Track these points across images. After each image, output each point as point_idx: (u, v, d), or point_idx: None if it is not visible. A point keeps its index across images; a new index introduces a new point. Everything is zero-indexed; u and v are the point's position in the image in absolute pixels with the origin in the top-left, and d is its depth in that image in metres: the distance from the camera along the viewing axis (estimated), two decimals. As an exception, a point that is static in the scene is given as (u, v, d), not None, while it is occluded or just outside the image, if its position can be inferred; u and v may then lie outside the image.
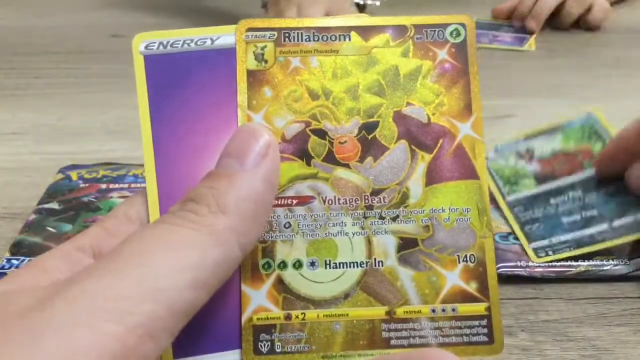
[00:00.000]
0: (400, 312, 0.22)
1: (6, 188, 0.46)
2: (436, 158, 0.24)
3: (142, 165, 0.45)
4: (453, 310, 0.22)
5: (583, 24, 0.73)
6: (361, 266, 0.23)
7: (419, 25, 0.24)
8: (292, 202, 0.23)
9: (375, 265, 0.23)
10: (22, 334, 0.17)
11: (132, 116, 0.55)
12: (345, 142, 0.24)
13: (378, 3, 0.81)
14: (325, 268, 0.23)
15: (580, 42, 0.71)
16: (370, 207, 0.23)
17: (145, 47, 0.24)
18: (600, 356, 0.31)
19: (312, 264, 0.23)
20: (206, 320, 0.22)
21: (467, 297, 0.23)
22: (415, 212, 0.23)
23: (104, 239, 0.22)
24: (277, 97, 0.24)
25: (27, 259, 0.37)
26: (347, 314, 0.22)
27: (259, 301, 0.22)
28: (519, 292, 0.35)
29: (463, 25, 0.24)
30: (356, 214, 0.23)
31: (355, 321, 0.22)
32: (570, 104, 0.57)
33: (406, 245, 0.23)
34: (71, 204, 0.41)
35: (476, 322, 0.22)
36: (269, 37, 0.24)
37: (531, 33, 0.72)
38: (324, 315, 0.22)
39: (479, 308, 0.23)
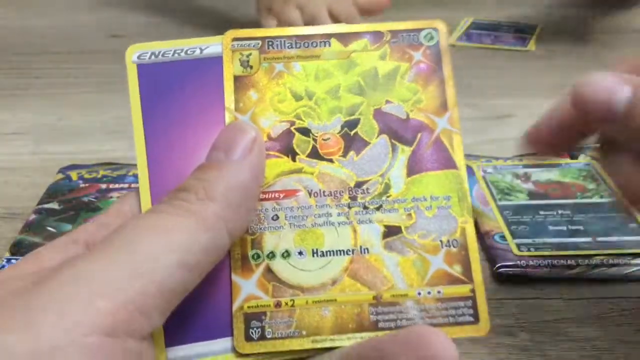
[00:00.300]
0: (387, 296, 0.23)
1: (6, 188, 0.46)
2: (416, 151, 0.25)
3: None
4: (439, 292, 0.23)
5: None
6: (347, 254, 0.24)
7: (394, 31, 0.26)
8: (279, 195, 0.24)
9: (361, 253, 0.24)
10: (18, 310, 0.18)
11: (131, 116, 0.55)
12: (329, 138, 0.25)
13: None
14: (313, 256, 0.24)
15: (580, 42, 0.71)
16: (354, 198, 0.24)
17: (138, 57, 0.25)
18: (600, 356, 0.31)
19: (300, 253, 0.24)
20: (198, 310, 0.23)
21: (451, 280, 0.24)
22: (398, 201, 0.24)
23: (97, 232, 0.23)
24: (262, 100, 0.25)
25: (27, 259, 0.37)
26: (335, 300, 0.23)
27: (249, 290, 0.23)
28: (519, 292, 0.35)
29: (436, 29, 0.26)
30: (341, 204, 0.24)
31: (343, 306, 0.23)
32: (570, 104, 0.57)
33: (390, 232, 0.24)
34: (71, 204, 0.41)
35: (461, 303, 0.23)
36: (254, 46, 0.26)
37: None
38: (312, 302, 0.23)
39: (464, 290, 0.23)
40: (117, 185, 0.43)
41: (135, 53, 0.25)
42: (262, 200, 0.24)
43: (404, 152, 0.25)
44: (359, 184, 0.24)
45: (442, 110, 0.25)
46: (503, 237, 0.38)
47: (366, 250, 0.24)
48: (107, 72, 0.64)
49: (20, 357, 0.17)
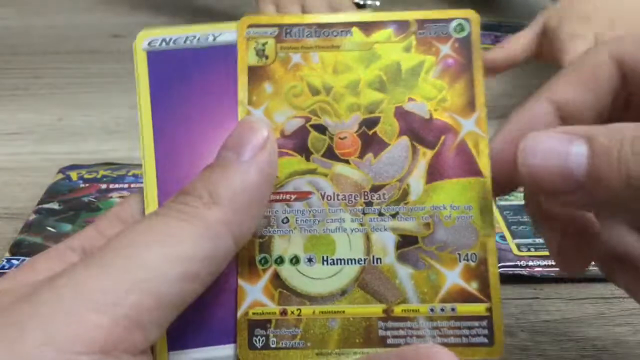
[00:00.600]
0: (397, 310, 0.22)
1: (6, 188, 0.46)
2: (438, 155, 0.23)
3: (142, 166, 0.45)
4: (452, 310, 0.22)
5: None
6: (359, 263, 0.23)
7: (421, 20, 0.24)
8: (290, 197, 0.23)
9: (374, 263, 0.23)
10: (7, 324, 0.17)
11: (132, 116, 0.55)
12: (346, 137, 0.23)
13: (378, 3, 0.81)
14: (323, 264, 0.23)
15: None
16: (369, 204, 0.23)
17: (149, 44, 0.24)
18: (600, 356, 0.31)
19: (310, 259, 0.23)
20: (201, 314, 0.22)
21: (467, 297, 0.22)
22: (416, 209, 0.23)
23: (96, 239, 0.22)
24: (277, 93, 0.24)
25: (27, 259, 0.37)
26: (344, 311, 0.22)
27: (255, 296, 0.22)
28: (519, 292, 0.35)
29: (467, 20, 0.24)
30: (355, 210, 0.23)
31: (351, 318, 0.22)
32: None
33: (406, 242, 0.23)
34: (71, 204, 0.41)
35: (476, 323, 0.22)
36: (270, 34, 0.24)
37: None
38: (319, 312, 0.22)
39: (480, 308, 0.22)
40: (117, 185, 0.43)
41: (145, 39, 0.24)
42: (272, 201, 0.23)
43: (425, 156, 0.23)
44: (375, 189, 0.23)
45: (469, 110, 0.23)
46: (503, 237, 0.38)
47: (379, 260, 0.23)
48: (107, 72, 0.64)
49: None
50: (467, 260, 0.22)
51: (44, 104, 0.58)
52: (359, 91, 0.24)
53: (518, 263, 0.36)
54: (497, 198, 0.41)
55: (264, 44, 0.24)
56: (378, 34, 0.24)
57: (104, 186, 0.43)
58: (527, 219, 0.39)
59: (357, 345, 0.22)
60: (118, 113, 0.56)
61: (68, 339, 0.16)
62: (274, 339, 0.22)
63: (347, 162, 0.23)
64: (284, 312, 0.22)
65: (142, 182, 0.23)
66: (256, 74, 0.24)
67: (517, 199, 0.41)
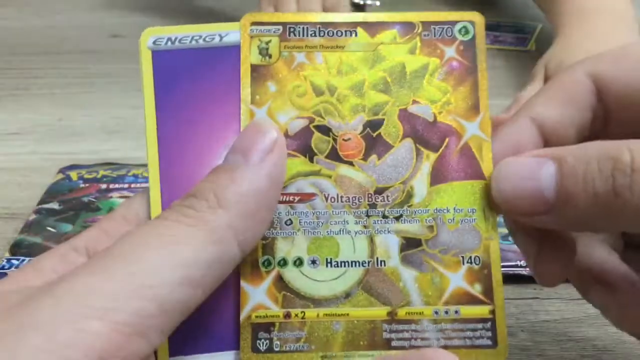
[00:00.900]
0: (402, 313, 0.22)
1: (6, 188, 0.46)
2: (442, 157, 0.23)
3: (142, 165, 0.45)
4: (456, 312, 0.22)
5: None
6: (363, 265, 0.22)
7: (427, 22, 0.24)
8: (293, 198, 0.23)
9: (378, 265, 0.22)
10: (6, 329, 0.16)
11: (132, 116, 0.55)
12: (349, 139, 0.23)
13: (378, 3, 0.81)
14: (327, 266, 0.22)
15: (580, 42, 0.71)
16: (373, 206, 0.23)
17: (154, 43, 0.23)
18: (600, 356, 0.31)
19: (313, 262, 0.22)
20: (204, 319, 0.22)
21: (471, 300, 0.22)
22: (419, 211, 0.23)
23: (100, 240, 0.22)
24: (280, 92, 0.23)
25: (27, 259, 0.37)
26: (348, 314, 0.22)
27: (258, 298, 0.22)
28: (519, 292, 0.35)
29: (472, 22, 0.24)
30: (359, 212, 0.23)
31: (355, 321, 0.22)
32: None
33: (409, 245, 0.23)
34: (71, 204, 0.41)
35: (480, 325, 0.22)
36: (274, 32, 0.24)
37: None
38: (324, 315, 0.22)
39: (483, 311, 0.22)
40: (117, 185, 0.43)
41: (150, 38, 0.23)
42: None
43: (429, 159, 0.23)
44: (379, 191, 0.23)
45: (473, 114, 0.23)
46: (504, 237, 0.38)
47: (383, 263, 0.22)
48: (107, 72, 0.64)
49: None
50: (471, 263, 0.23)
51: (44, 104, 0.58)
52: (363, 92, 0.24)
53: (518, 263, 0.36)
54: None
55: (267, 43, 0.24)
56: (383, 35, 0.24)
57: (104, 186, 0.43)
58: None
59: (361, 348, 0.22)
60: (118, 113, 0.56)
61: (66, 346, 0.16)
62: (278, 342, 0.22)
63: (350, 163, 0.23)
64: (287, 315, 0.22)
65: (142, 182, 0.23)
66: (259, 73, 0.23)
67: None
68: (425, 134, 0.23)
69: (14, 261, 0.36)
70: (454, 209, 0.23)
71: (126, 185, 0.43)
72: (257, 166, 0.20)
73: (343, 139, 0.23)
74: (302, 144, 0.23)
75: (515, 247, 0.37)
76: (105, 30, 0.74)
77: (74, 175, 0.45)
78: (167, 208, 0.20)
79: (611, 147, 0.20)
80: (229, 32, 0.24)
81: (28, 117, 0.56)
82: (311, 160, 0.23)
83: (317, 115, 0.23)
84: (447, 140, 0.23)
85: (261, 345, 0.22)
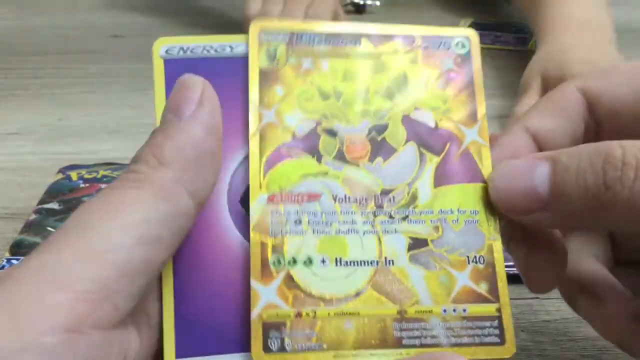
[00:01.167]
0: (411, 311, 0.22)
1: (6, 188, 0.46)
2: (444, 161, 0.24)
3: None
4: (464, 310, 0.23)
5: None
6: (372, 265, 0.23)
7: (426, 36, 0.26)
8: (302, 198, 0.23)
9: (386, 264, 0.23)
10: None
11: (132, 116, 0.55)
12: (356, 142, 0.24)
13: (378, 3, 0.81)
14: (336, 265, 0.23)
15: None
16: (380, 207, 0.23)
17: (166, 52, 0.24)
18: (600, 356, 0.31)
19: (323, 261, 0.23)
20: (212, 319, 0.22)
21: (477, 298, 0.23)
22: (425, 212, 0.24)
23: None
24: (288, 96, 0.24)
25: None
26: (359, 313, 0.22)
27: (268, 297, 0.22)
28: (519, 292, 0.35)
29: (467, 38, 0.26)
30: (366, 212, 0.23)
31: (366, 320, 0.22)
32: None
33: (416, 245, 0.23)
34: (71, 204, 0.41)
35: (487, 323, 0.23)
36: (282, 39, 0.25)
37: None
38: (334, 314, 0.22)
39: (490, 309, 0.23)
40: (117, 185, 0.43)
41: (162, 47, 0.24)
42: (285, 202, 0.23)
43: (432, 162, 0.24)
44: (385, 192, 0.24)
45: (472, 121, 0.25)
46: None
47: (391, 262, 0.23)
48: (107, 72, 0.64)
49: None
50: (476, 262, 0.23)
51: (44, 104, 0.58)
52: (368, 98, 0.25)
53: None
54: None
55: (275, 48, 0.24)
56: (386, 46, 0.25)
57: (104, 186, 0.43)
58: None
59: (373, 347, 0.22)
60: (118, 113, 0.56)
61: (31, 322, 0.16)
62: (289, 342, 0.22)
63: (357, 165, 0.24)
64: (298, 314, 0.22)
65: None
66: (267, 77, 0.24)
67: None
68: (427, 139, 0.24)
69: (14, 261, 0.36)
70: (458, 210, 0.24)
71: (126, 185, 0.43)
72: (189, 119, 0.21)
73: (350, 142, 0.24)
74: (310, 145, 0.24)
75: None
76: (105, 30, 0.74)
77: (74, 175, 0.45)
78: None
79: (603, 144, 0.21)
80: (239, 44, 0.25)
81: (28, 117, 0.56)
82: (319, 161, 0.24)
83: (324, 118, 0.24)
84: (448, 145, 0.24)
85: (273, 344, 0.21)
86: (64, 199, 0.42)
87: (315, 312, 0.22)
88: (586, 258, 0.27)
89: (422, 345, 0.22)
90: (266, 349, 0.21)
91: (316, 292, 0.22)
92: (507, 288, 0.23)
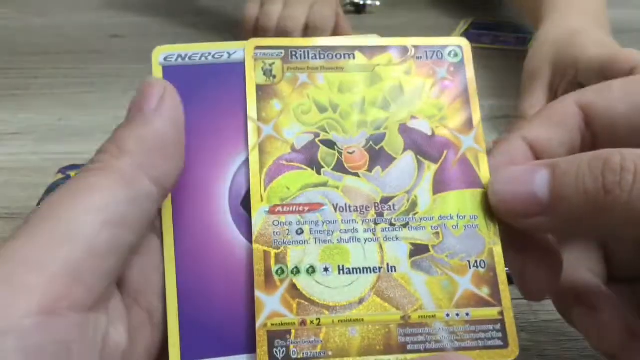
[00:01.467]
0: (415, 316, 0.23)
1: (6, 188, 0.46)
2: (442, 168, 0.25)
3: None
4: (467, 314, 0.23)
5: None
6: (374, 272, 0.23)
7: (419, 46, 0.26)
8: (303, 209, 0.23)
9: (388, 271, 0.23)
10: None
11: (132, 116, 0.55)
12: (354, 152, 0.24)
13: (378, 3, 0.81)
14: (339, 273, 0.23)
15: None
16: (380, 214, 0.24)
17: (165, 59, 0.25)
18: (600, 356, 0.31)
19: (326, 269, 0.23)
20: (218, 323, 0.22)
21: (480, 302, 0.23)
22: (425, 219, 0.24)
23: None
24: (286, 110, 0.25)
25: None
26: (363, 319, 0.22)
27: (273, 307, 0.22)
28: (518, 292, 0.35)
29: (460, 47, 0.26)
30: (367, 220, 0.24)
31: (370, 326, 0.22)
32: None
33: (418, 251, 0.23)
34: (71, 204, 0.41)
35: (490, 327, 0.23)
36: (277, 55, 0.25)
37: None
38: (339, 321, 0.22)
39: (492, 312, 0.23)
40: (117, 185, 0.43)
41: (161, 54, 0.25)
42: (286, 213, 0.23)
43: (430, 169, 0.25)
44: (385, 200, 0.24)
45: (467, 128, 0.25)
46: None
47: (393, 269, 0.23)
48: (107, 72, 0.64)
49: None
50: (477, 267, 0.23)
51: (44, 104, 0.58)
52: (365, 109, 0.25)
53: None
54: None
55: (271, 65, 0.25)
56: (379, 58, 0.26)
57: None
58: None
59: (378, 353, 0.22)
60: (118, 113, 0.55)
61: (7, 306, 0.17)
62: (295, 350, 0.22)
63: (356, 175, 0.24)
64: (303, 323, 0.22)
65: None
66: (264, 92, 0.25)
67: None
68: (424, 147, 0.25)
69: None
70: (457, 215, 0.24)
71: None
72: (152, 113, 0.22)
73: (348, 152, 0.25)
74: (308, 157, 0.24)
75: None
76: (105, 30, 0.74)
77: (74, 175, 0.45)
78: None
79: (602, 151, 0.21)
80: (237, 50, 0.25)
81: (28, 117, 0.56)
82: (318, 172, 0.24)
83: (321, 130, 0.25)
84: (445, 152, 0.25)
85: (278, 353, 0.22)
86: (64, 199, 0.42)
87: (319, 320, 0.22)
88: (580, 269, 0.27)
89: (426, 350, 0.22)
90: (272, 357, 0.21)
91: (320, 300, 0.22)
92: (508, 291, 0.23)
